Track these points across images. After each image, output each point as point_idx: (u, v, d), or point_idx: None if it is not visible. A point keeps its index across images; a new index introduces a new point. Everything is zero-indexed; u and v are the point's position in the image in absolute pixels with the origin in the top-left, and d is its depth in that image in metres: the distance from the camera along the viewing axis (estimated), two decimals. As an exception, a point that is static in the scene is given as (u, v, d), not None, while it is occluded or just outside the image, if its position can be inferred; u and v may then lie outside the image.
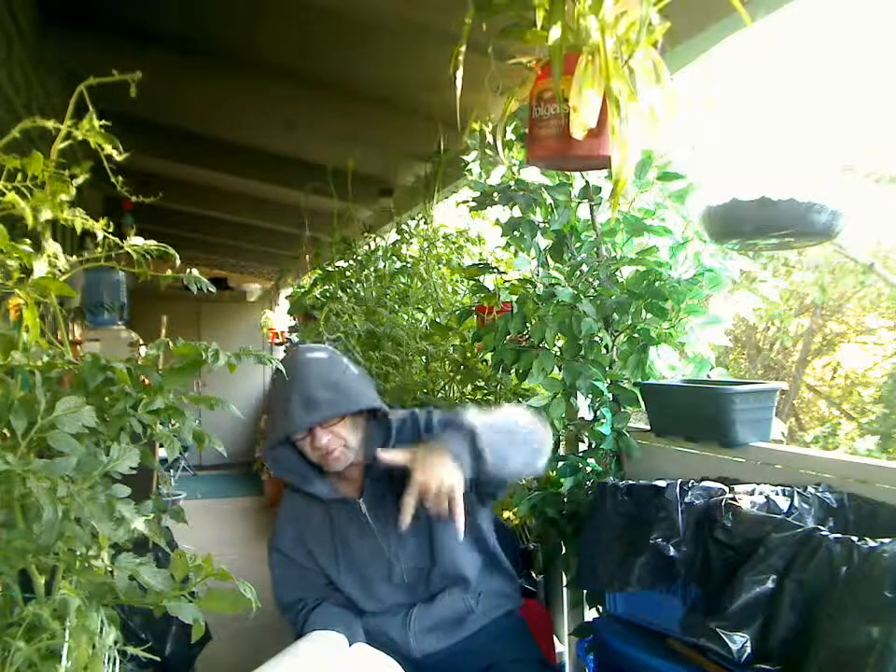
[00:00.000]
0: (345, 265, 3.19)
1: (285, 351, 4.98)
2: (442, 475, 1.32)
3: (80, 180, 1.04)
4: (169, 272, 1.17)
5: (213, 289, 1.21)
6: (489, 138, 2.16)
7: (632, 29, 1.28)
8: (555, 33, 1.23)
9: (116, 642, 0.99)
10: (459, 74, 1.38)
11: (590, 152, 1.31)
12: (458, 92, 1.39)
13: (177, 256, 1.16)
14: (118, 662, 0.99)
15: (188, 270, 1.18)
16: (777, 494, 1.32)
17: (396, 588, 1.61)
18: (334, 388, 1.48)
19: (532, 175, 2.10)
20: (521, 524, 2.23)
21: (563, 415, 1.96)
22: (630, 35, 1.29)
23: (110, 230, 1.10)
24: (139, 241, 1.12)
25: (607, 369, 1.93)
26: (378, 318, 2.71)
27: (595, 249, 2.01)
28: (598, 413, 1.98)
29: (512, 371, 2.03)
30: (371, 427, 1.59)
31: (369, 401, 1.52)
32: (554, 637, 2.09)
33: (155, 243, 1.14)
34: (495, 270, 2.31)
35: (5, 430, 0.96)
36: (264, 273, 7.87)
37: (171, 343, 1.16)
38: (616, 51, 1.24)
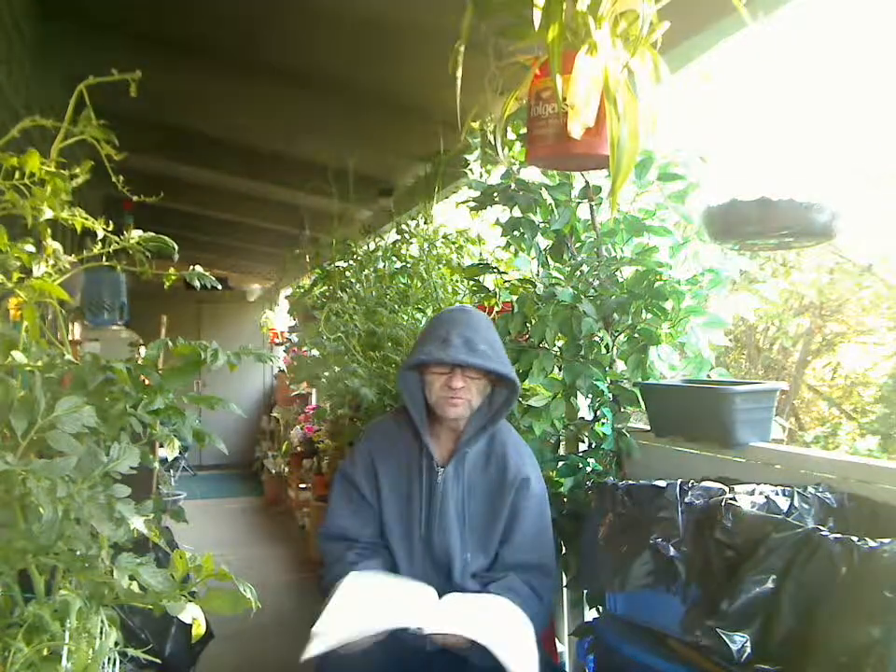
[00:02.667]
0: (345, 265, 3.18)
1: (285, 351, 4.98)
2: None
3: (80, 179, 1.04)
4: (171, 269, 1.17)
5: (218, 285, 1.21)
6: (489, 138, 2.16)
7: (631, 28, 1.28)
8: (553, 31, 1.23)
9: (116, 643, 0.99)
10: (459, 73, 1.38)
11: (588, 151, 1.31)
12: (458, 92, 1.39)
13: (175, 247, 1.16)
14: (118, 662, 0.99)
15: (190, 267, 1.18)
16: (777, 494, 1.32)
17: (420, 558, 1.65)
18: (492, 347, 1.60)
19: (532, 175, 2.10)
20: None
21: (563, 415, 1.96)
22: (629, 34, 1.29)
23: (110, 229, 1.10)
24: (137, 233, 1.12)
25: (607, 369, 1.93)
26: (378, 318, 2.71)
27: (596, 249, 2.01)
28: (598, 412, 1.98)
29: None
30: (481, 417, 1.67)
31: (513, 374, 1.62)
32: (555, 637, 2.09)
33: (153, 234, 1.14)
34: (495, 270, 2.31)
35: (5, 430, 0.95)
36: (264, 273, 7.86)
37: (171, 343, 1.16)
38: (614, 50, 1.24)
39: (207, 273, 1.20)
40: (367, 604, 1.49)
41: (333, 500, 1.76)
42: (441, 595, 1.62)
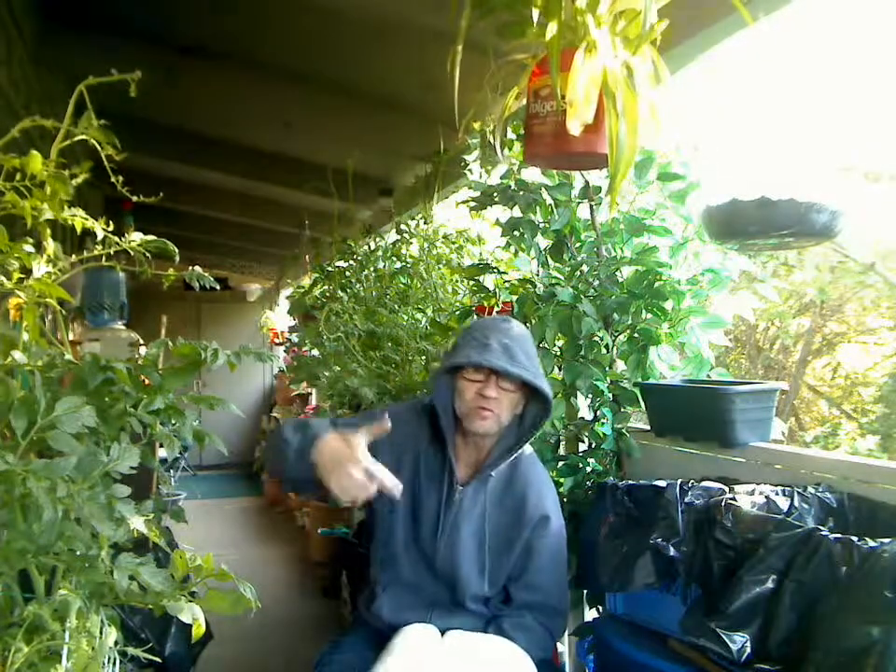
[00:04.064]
0: (345, 265, 3.18)
1: (285, 351, 4.98)
2: None
3: (80, 179, 1.04)
4: (171, 270, 1.17)
5: (216, 286, 1.21)
6: (489, 138, 2.16)
7: (630, 27, 1.28)
8: (552, 29, 1.23)
9: (116, 643, 0.99)
10: (457, 73, 1.38)
11: (587, 149, 1.31)
12: (456, 91, 1.39)
13: (176, 250, 1.16)
14: (118, 662, 0.99)
15: (189, 268, 1.18)
16: (777, 494, 1.32)
17: (424, 567, 1.61)
18: (529, 359, 1.53)
19: (532, 175, 2.10)
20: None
21: (563, 415, 1.96)
22: (628, 33, 1.29)
23: (110, 229, 1.10)
24: (137, 236, 1.12)
25: (607, 369, 1.93)
26: (378, 318, 2.71)
27: (595, 249, 2.01)
28: (598, 412, 1.98)
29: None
30: (505, 437, 1.60)
31: (548, 390, 1.54)
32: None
33: (154, 237, 1.14)
34: (495, 270, 2.31)
35: (5, 430, 0.96)
36: (264, 273, 7.86)
37: (171, 343, 1.16)
38: (613, 48, 1.24)
39: (206, 274, 1.19)
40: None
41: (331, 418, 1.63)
42: (446, 602, 1.61)
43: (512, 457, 1.58)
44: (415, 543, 1.61)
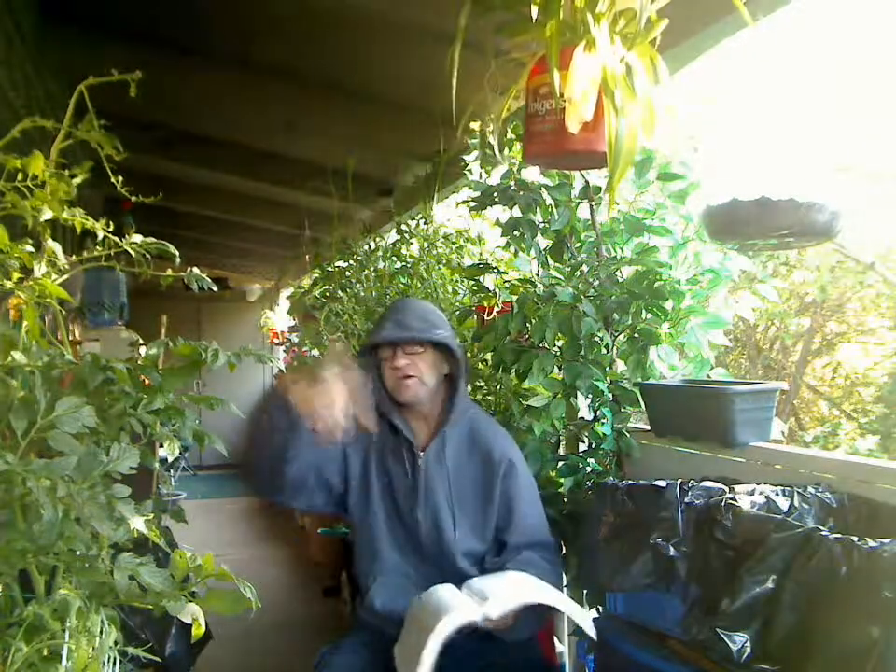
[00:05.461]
0: (345, 265, 3.19)
1: (285, 351, 4.98)
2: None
3: (80, 180, 1.04)
4: (169, 271, 1.17)
5: (214, 287, 1.21)
6: (488, 138, 2.16)
7: (629, 25, 1.28)
8: (551, 27, 1.23)
9: (116, 643, 0.99)
10: (455, 72, 1.38)
11: (586, 147, 1.30)
12: (454, 91, 1.39)
13: (177, 253, 1.16)
14: (118, 662, 0.99)
15: (188, 269, 1.18)
16: (777, 494, 1.32)
17: (410, 548, 1.65)
18: (424, 320, 1.66)
19: (532, 175, 2.10)
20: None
21: (563, 415, 1.96)
22: (627, 32, 1.29)
23: (110, 229, 1.10)
24: (138, 238, 1.12)
25: (607, 369, 1.93)
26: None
27: (596, 249, 2.01)
28: (598, 412, 1.98)
29: (512, 371, 2.03)
30: (449, 395, 1.71)
31: (450, 341, 1.65)
32: (554, 637, 2.09)
33: (154, 240, 1.14)
34: (495, 270, 2.31)
35: (5, 430, 0.95)
36: (264, 273, 7.86)
37: (171, 343, 1.16)
38: (612, 46, 1.23)
39: (204, 276, 1.20)
40: (425, 621, 1.43)
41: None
42: (437, 580, 1.60)
43: (458, 404, 1.68)
44: (396, 527, 1.66)
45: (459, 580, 1.59)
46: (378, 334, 1.65)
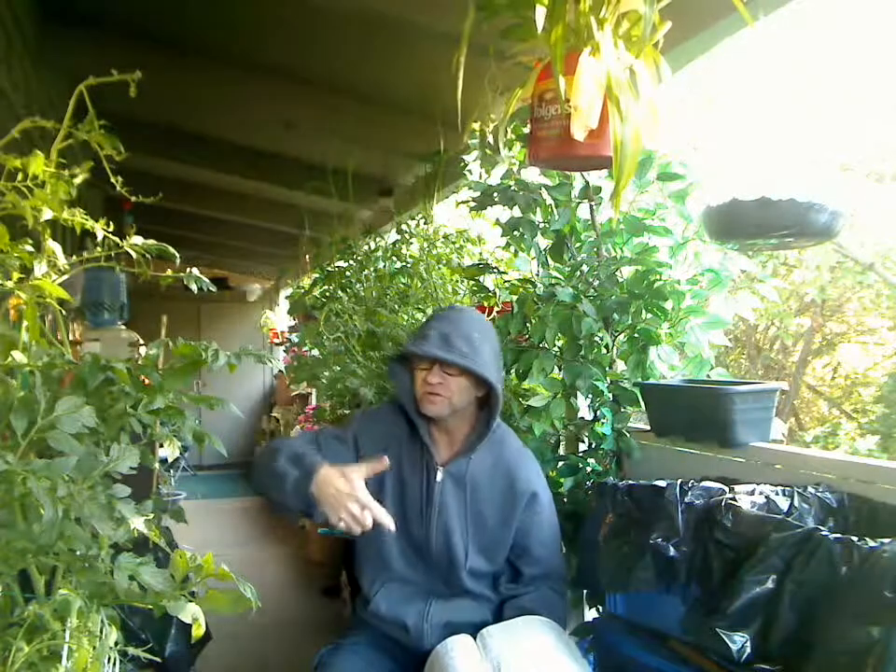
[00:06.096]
0: (345, 265, 3.18)
1: (285, 351, 4.98)
2: None
3: (80, 180, 1.04)
4: (169, 271, 1.17)
5: (213, 288, 1.21)
6: (489, 138, 2.16)
7: (633, 29, 1.28)
8: (556, 33, 1.23)
9: (116, 643, 0.99)
10: (461, 76, 1.38)
11: (592, 152, 1.31)
12: (459, 93, 1.39)
13: (177, 255, 1.16)
14: (118, 662, 0.99)
15: (188, 269, 1.18)
16: (777, 494, 1.32)
17: (417, 558, 1.63)
18: (470, 344, 1.57)
19: (532, 175, 2.10)
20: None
21: (563, 415, 1.96)
22: (631, 35, 1.28)
23: (110, 229, 1.10)
24: (139, 240, 1.12)
25: (607, 369, 1.93)
26: (378, 318, 2.70)
27: (596, 249, 2.01)
28: (598, 413, 1.98)
29: (512, 371, 2.02)
30: (479, 420, 1.66)
31: (490, 375, 1.58)
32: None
33: (154, 242, 1.14)
34: (495, 270, 2.31)
35: (5, 430, 0.95)
36: (264, 273, 7.87)
37: (171, 343, 1.16)
38: (617, 51, 1.23)
39: (203, 277, 1.19)
40: None
41: (326, 436, 1.68)
42: (443, 591, 1.62)
43: (489, 435, 1.63)
44: (405, 536, 1.63)
45: (463, 592, 1.62)
46: (420, 345, 1.57)
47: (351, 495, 1.37)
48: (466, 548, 1.61)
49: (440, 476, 1.63)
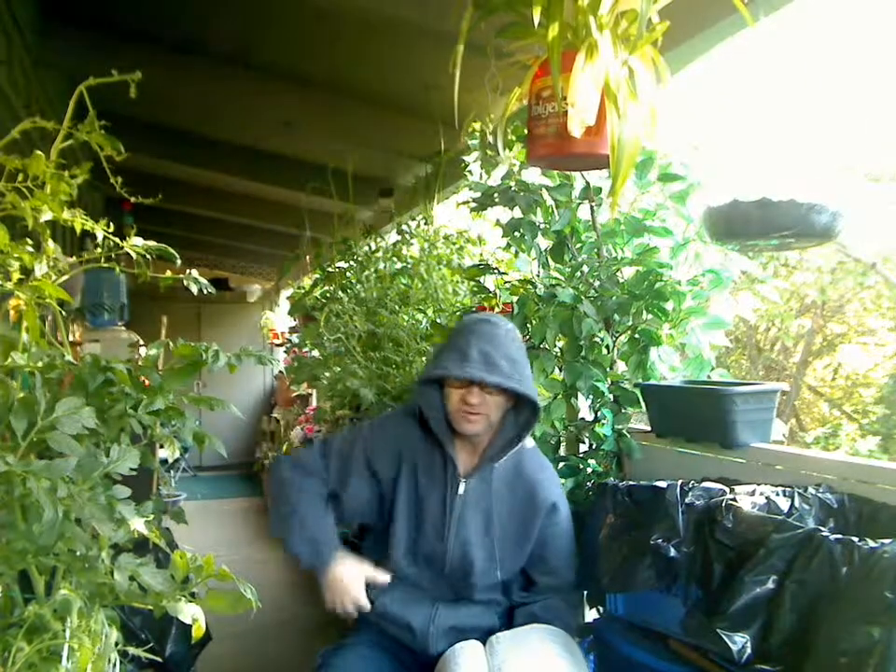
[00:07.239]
0: (346, 266, 3.18)
1: (285, 352, 4.97)
2: None
3: (80, 180, 1.04)
4: (169, 272, 1.17)
5: (212, 290, 1.20)
6: (489, 139, 2.16)
7: (631, 27, 1.28)
8: (554, 31, 1.23)
9: (116, 643, 0.99)
10: (457, 73, 1.37)
11: (589, 150, 1.30)
12: (456, 92, 1.39)
13: (177, 256, 1.16)
14: (118, 662, 0.99)
15: (187, 270, 1.18)
16: (778, 494, 1.32)
17: (427, 564, 1.62)
18: (513, 364, 1.53)
19: (533, 175, 2.10)
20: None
21: (563, 416, 1.96)
22: (629, 34, 1.28)
23: (110, 230, 1.10)
24: (139, 241, 1.12)
25: (608, 369, 1.93)
26: (379, 319, 2.70)
27: (596, 250, 2.01)
28: (599, 413, 1.98)
29: (513, 371, 2.02)
30: (504, 426, 1.63)
31: (533, 394, 1.56)
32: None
33: (154, 243, 1.14)
34: (495, 270, 2.31)
35: (5, 431, 0.95)
36: (264, 274, 7.87)
37: (171, 344, 1.16)
38: (615, 49, 1.23)
39: (202, 279, 1.19)
40: None
41: (339, 440, 1.70)
42: (450, 597, 1.61)
43: (514, 450, 1.60)
44: (417, 543, 1.61)
45: (471, 596, 1.61)
46: (463, 367, 1.49)
47: (351, 597, 1.55)
48: (483, 560, 1.59)
49: (461, 489, 1.60)
